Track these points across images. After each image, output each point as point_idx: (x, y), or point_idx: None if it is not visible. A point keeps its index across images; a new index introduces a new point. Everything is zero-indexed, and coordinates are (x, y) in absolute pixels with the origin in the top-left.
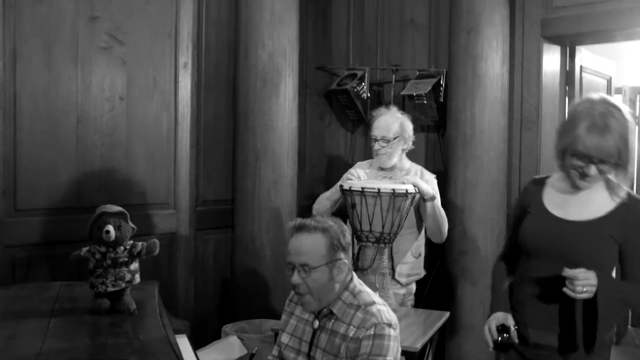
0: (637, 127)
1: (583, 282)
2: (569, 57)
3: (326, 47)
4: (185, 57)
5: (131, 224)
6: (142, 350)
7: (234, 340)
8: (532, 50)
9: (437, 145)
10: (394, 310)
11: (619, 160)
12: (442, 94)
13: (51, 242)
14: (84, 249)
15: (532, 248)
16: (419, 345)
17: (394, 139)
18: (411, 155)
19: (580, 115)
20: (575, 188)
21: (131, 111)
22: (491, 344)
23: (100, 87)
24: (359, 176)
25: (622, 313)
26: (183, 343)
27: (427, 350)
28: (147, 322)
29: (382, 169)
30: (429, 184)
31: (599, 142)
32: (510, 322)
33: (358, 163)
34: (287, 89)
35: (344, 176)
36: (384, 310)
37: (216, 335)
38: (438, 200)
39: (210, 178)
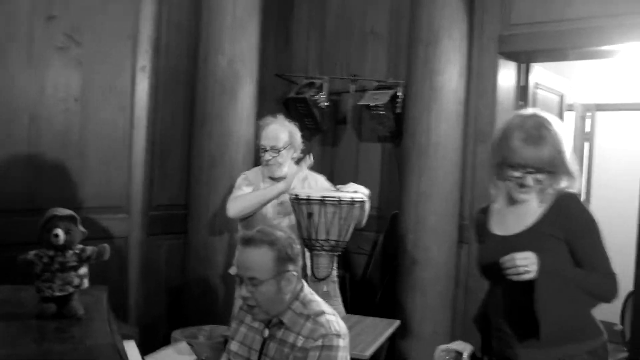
0: (587, 143)
1: (522, 260)
2: (523, 73)
3: (286, 55)
4: (144, 60)
5: (81, 228)
6: (88, 356)
7: (183, 346)
8: (488, 65)
9: (393, 155)
10: (344, 319)
11: (554, 169)
12: (399, 105)
13: (1, 244)
14: (32, 252)
15: (486, 275)
16: (368, 353)
17: (284, 148)
18: (366, 164)
19: (514, 128)
20: (512, 204)
21: (86, 113)
22: None
23: (55, 87)
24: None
25: (589, 302)
26: (131, 349)
27: (378, 359)
28: (95, 328)
29: (272, 178)
30: (320, 183)
31: (534, 152)
32: (466, 349)
33: (247, 172)
34: (245, 96)
35: (240, 183)
36: (333, 320)
37: (166, 341)
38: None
39: (165, 183)
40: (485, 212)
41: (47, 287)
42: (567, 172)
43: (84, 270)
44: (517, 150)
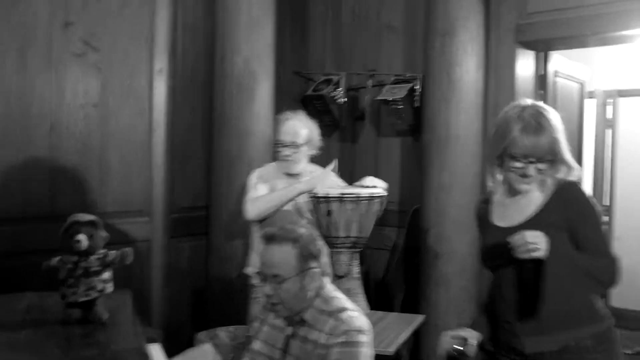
0: (610, 130)
1: (532, 238)
2: (542, 62)
3: (302, 52)
4: (161, 63)
5: (104, 233)
6: None
7: (207, 348)
8: (506, 55)
9: (412, 149)
10: (367, 315)
11: (554, 157)
12: (417, 98)
13: (23, 251)
14: (55, 259)
15: (489, 266)
16: (392, 349)
17: (303, 144)
18: (386, 159)
19: (513, 119)
20: (513, 195)
21: (105, 118)
22: (442, 353)
23: (74, 94)
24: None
25: (594, 286)
26: (156, 352)
27: (402, 354)
28: (120, 332)
29: (288, 174)
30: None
31: (534, 141)
32: (473, 337)
33: (259, 169)
34: (262, 95)
35: (255, 181)
36: (355, 316)
37: (190, 344)
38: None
39: (186, 185)
40: (486, 203)
41: (71, 293)
42: (566, 161)
43: (107, 274)
44: (517, 140)
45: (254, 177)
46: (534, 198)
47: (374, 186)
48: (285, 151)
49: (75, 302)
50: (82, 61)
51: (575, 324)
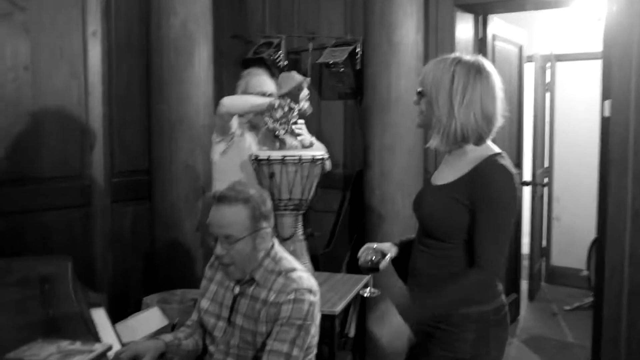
0: (548, 93)
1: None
2: (481, 26)
3: (242, 15)
4: (95, 25)
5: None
6: (53, 326)
7: (154, 311)
8: (445, 18)
9: (355, 112)
10: (314, 276)
11: (430, 97)
12: (358, 61)
13: None
14: (277, 100)
15: (414, 214)
16: (338, 309)
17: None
18: (329, 122)
19: None
20: (449, 154)
21: (37, 81)
22: (360, 263)
23: (1, 56)
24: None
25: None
26: (100, 316)
27: (349, 314)
28: (59, 297)
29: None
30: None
31: (423, 69)
32: (390, 251)
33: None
34: (201, 58)
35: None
36: (304, 276)
37: (137, 308)
38: (314, 138)
39: (126, 149)
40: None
41: (282, 129)
42: (434, 105)
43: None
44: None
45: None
46: (460, 166)
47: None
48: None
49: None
50: (8, 21)
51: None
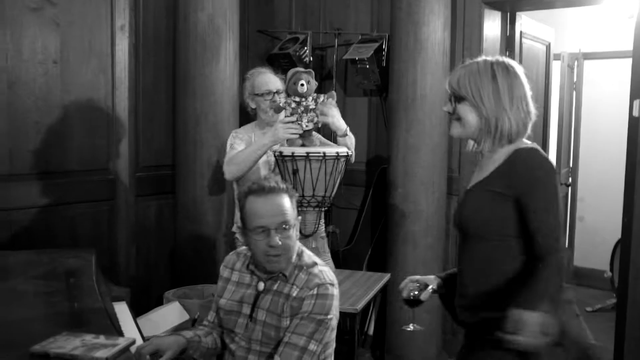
0: (574, 92)
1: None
2: (509, 23)
3: (268, 10)
4: (122, 20)
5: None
6: (77, 319)
7: (175, 306)
8: (473, 15)
9: (380, 109)
10: (334, 273)
11: (464, 95)
12: (384, 58)
13: None
14: (282, 100)
15: (454, 226)
16: (359, 307)
17: (282, 92)
18: (354, 120)
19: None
20: (482, 156)
21: (66, 75)
22: (403, 296)
23: (33, 50)
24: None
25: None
26: (122, 310)
27: (369, 313)
28: (83, 291)
29: (268, 126)
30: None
31: (450, 76)
32: (432, 283)
33: (237, 130)
34: (227, 53)
35: (231, 141)
36: (325, 270)
37: (159, 302)
38: (347, 128)
39: (150, 143)
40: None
41: (298, 125)
42: (481, 107)
43: (319, 111)
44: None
45: (230, 137)
46: (492, 161)
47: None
48: (280, 98)
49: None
50: (39, 16)
51: (494, 307)
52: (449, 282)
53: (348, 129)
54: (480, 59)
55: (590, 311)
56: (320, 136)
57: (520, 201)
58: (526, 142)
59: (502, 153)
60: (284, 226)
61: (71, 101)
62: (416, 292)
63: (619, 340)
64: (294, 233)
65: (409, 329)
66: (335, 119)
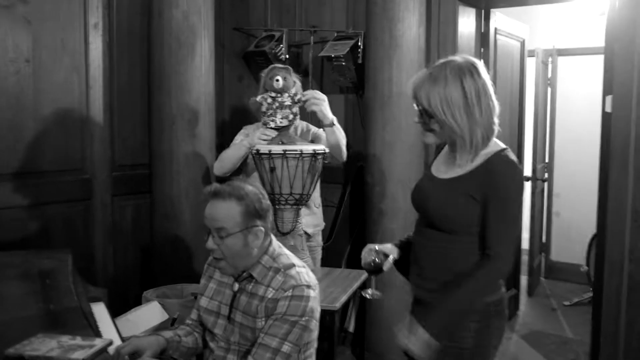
0: (549, 89)
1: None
2: (484, 20)
3: (243, 8)
4: (96, 17)
5: (295, 78)
6: (53, 320)
7: (154, 305)
8: (448, 12)
9: (356, 106)
10: (314, 271)
11: (445, 119)
12: (360, 55)
13: None
14: (259, 96)
15: (413, 205)
16: (338, 304)
17: None
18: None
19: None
20: (451, 150)
21: (39, 74)
22: (363, 264)
23: (4, 49)
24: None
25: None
26: (100, 311)
27: (349, 310)
28: (60, 292)
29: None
30: (320, 135)
31: (416, 86)
32: (393, 252)
33: (255, 124)
34: (203, 50)
35: (248, 136)
36: (303, 272)
37: (137, 302)
38: (335, 120)
39: (126, 142)
40: (438, 150)
41: (271, 120)
42: (446, 123)
43: (295, 109)
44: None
45: (239, 133)
46: (467, 161)
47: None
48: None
49: (275, 127)
50: (9, 13)
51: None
52: (404, 249)
53: (335, 119)
54: (442, 64)
55: (567, 305)
56: (307, 124)
57: (484, 206)
58: (498, 145)
59: (479, 156)
60: (220, 233)
61: (44, 100)
62: (377, 260)
63: (596, 334)
64: (234, 241)
65: (367, 296)
66: (323, 107)
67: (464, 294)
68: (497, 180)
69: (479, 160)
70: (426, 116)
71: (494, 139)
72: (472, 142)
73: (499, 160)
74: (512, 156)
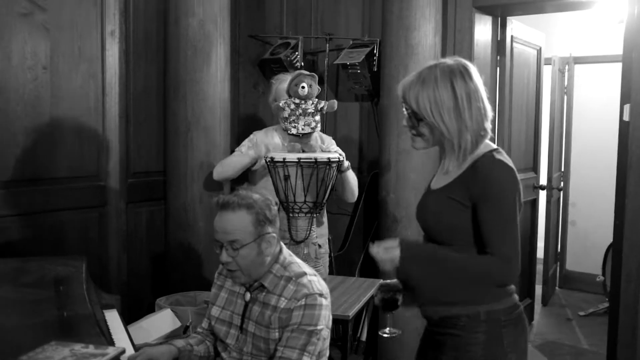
0: (565, 97)
1: (382, 254)
2: (500, 28)
3: (259, 15)
4: (113, 25)
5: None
6: (66, 327)
7: (167, 313)
8: (464, 20)
9: (371, 114)
10: (325, 280)
11: (434, 122)
12: (375, 63)
13: None
14: (283, 100)
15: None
16: (351, 313)
17: None
18: (345, 124)
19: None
20: (444, 158)
21: (56, 81)
22: (376, 302)
23: (22, 56)
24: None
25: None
26: (113, 318)
27: (362, 319)
28: (73, 299)
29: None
30: (330, 146)
31: (405, 87)
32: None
33: (258, 132)
34: (218, 58)
35: (255, 144)
36: (315, 280)
37: (150, 309)
38: (349, 165)
39: (141, 149)
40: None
41: (293, 127)
42: (436, 126)
43: (318, 117)
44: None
45: (247, 139)
46: (453, 167)
47: (325, 151)
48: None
49: (296, 134)
50: (28, 21)
51: (448, 303)
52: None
53: (349, 164)
54: (437, 68)
55: (583, 315)
56: (320, 133)
57: (476, 211)
58: (489, 145)
59: (467, 160)
60: (233, 245)
61: (61, 107)
62: (385, 297)
63: (612, 344)
64: (249, 251)
65: (385, 335)
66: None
67: (456, 261)
68: (485, 181)
69: (466, 164)
70: (415, 119)
71: (486, 141)
72: (461, 146)
73: (486, 160)
74: (501, 156)
